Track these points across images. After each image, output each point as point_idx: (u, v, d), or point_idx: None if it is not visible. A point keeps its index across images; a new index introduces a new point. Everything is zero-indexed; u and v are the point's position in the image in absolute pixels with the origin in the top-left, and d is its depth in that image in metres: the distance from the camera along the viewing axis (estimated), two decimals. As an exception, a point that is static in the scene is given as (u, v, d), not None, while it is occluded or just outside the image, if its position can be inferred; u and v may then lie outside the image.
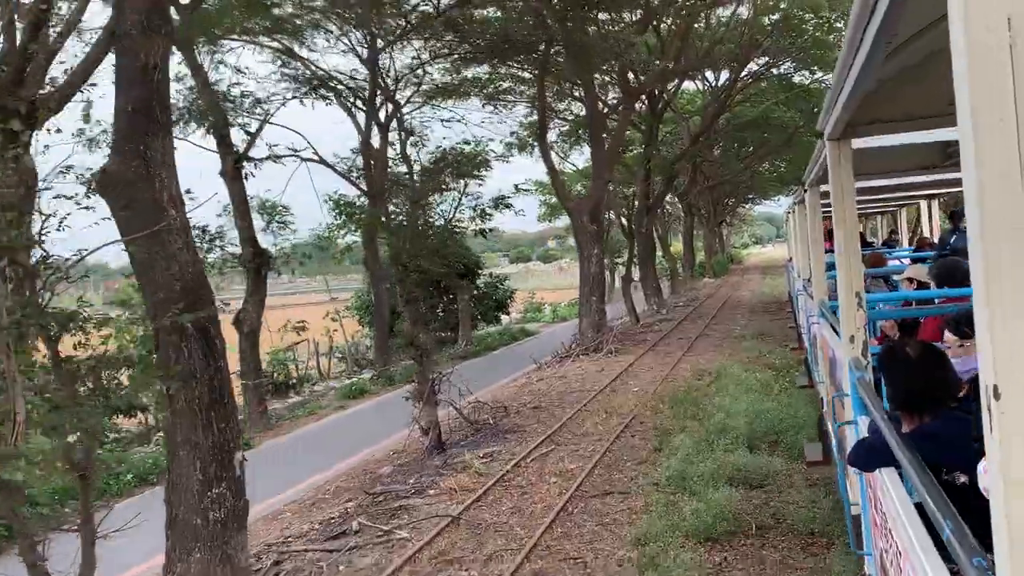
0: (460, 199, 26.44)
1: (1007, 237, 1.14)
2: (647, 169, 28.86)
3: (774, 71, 32.09)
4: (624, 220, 26.62)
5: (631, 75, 21.26)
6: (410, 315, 11.29)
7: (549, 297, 46.24)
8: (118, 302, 17.21)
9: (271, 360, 22.11)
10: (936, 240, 11.51)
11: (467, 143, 25.01)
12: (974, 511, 1.84)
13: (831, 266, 5.62)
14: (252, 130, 16.39)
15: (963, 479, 2.52)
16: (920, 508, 2.25)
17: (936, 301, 5.42)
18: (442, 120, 24.15)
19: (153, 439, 16.22)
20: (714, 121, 29.98)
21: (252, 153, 16.18)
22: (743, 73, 31.52)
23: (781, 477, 7.49)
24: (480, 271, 31.34)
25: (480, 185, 26.56)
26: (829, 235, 9.26)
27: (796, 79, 32.40)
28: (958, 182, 7.36)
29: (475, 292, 30.68)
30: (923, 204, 14.32)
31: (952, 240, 9.79)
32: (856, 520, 3.86)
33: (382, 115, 21.26)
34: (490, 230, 27.32)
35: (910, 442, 2.45)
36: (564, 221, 39.09)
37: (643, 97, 30.40)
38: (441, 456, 10.74)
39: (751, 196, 64.19)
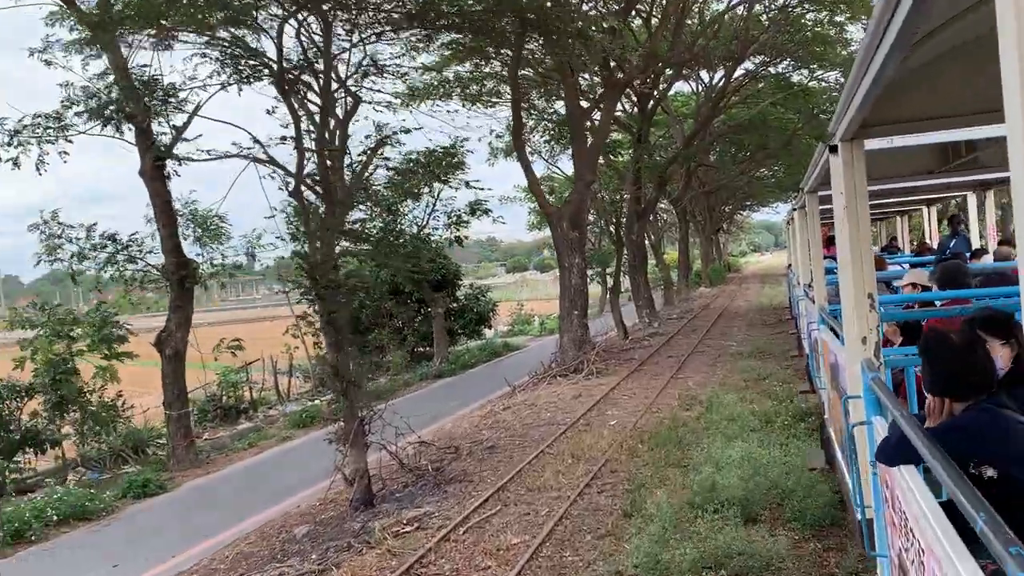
0: (433, 204, 24.64)
1: None
2: (637, 173, 26.96)
3: (771, 70, 30.30)
4: (612, 227, 24.60)
5: (614, 67, 19.31)
6: (330, 339, 9.29)
7: (542, 308, 44.16)
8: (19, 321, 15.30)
9: (221, 382, 20.12)
10: (935, 246, 11.33)
11: (441, 148, 23.17)
12: (1001, 505, 1.90)
13: (831, 271, 5.64)
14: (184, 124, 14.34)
15: (991, 472, 2.51)
16: (944, 505, 2.32)
17: (938, 304, 5.43)
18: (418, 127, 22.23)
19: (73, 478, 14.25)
20: (708, 122, 28.09)
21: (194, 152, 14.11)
22: (738, 72, 29.80)
23: (788, 568, 5.49)
24: (459, 282, 29.37)
25: (456, 189, 24.76)
26: (829, 241, 9.10)
27: (795, 78, 30.54)
28: (958, 186, 9.67)
29: (454, 305, 28.73)
30: (924, 211, 14.58)
31: (951, 245, 9.82)
32: (869, 523, 3.77)
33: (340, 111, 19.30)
34: (466, 238, 25.44)
35: (934, 436, 2.46)
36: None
37: (632, 97, 28.56)
38: (368, 513, 8.75)
39: (749, 203, 62.38)
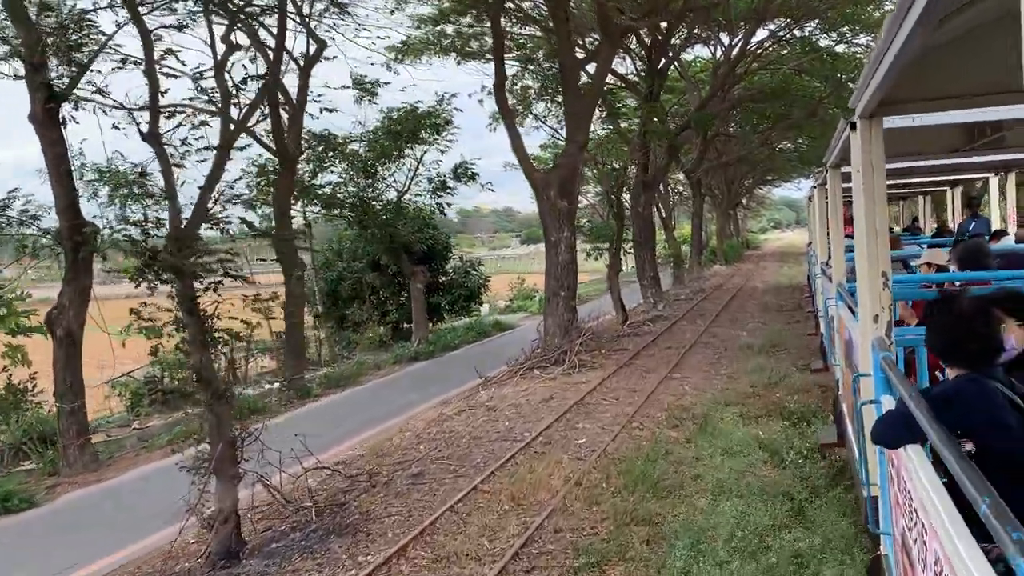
0: (415, 168, 22.12)
1: None
2: (645, 137, 24.31)
3: (796, 32, 27.38)
4: (613, 197, 21.98)
5: (611, 6, 16.61)
6: (193, 335, 6.92)
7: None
8: None
9: (165, 361, 17.91)
10: (955, 227, 11.12)
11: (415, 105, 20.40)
12: None
13: (851, 249, 4.96)
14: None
15: (969, 447, 2.51)
16: (947, 486, 2.30)
17: (957, 284, 5.33)
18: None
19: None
20: (724, 84, 25.28)
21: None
22: (761, 35, 27.03)
23: None
24: (450, 254, 26.97)
25: (443, 152, 22.21)
26: (849, 221, 8.86)
27: (823, 43, 27.59)
28: (981, 167, 9.67)
29: (442, 279, 26.37)
30: (948, 192, 14.26)
31: (971, 227, 9.44)
32: (874, 500, 3.73)
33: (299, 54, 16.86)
34: (448, 205, 23.00)
35: (935, 414, 2.39)
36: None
37: (642, 52, 25.75)
38: (227, 573, 6.47)
39: (770, 178, 59.30)
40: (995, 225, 9.62)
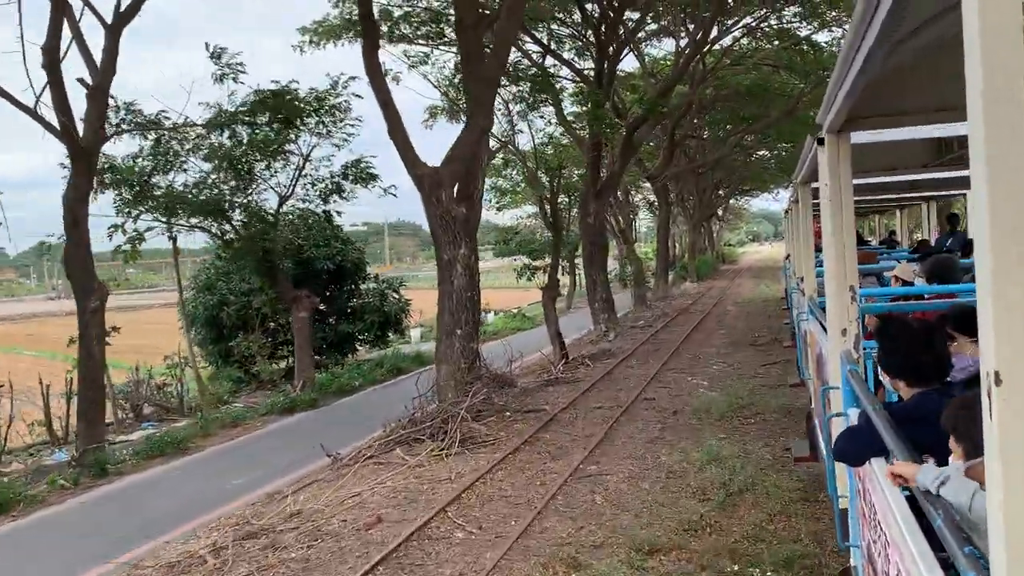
0: (300, 167, 17.73)
1: (1014, 223, 1.14)
2: (592, 127, 20.20)
3: (773, 23, 23.59)
4: (547, 206, 17.59)
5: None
6: None
7: (514, 299, 37.04)
8: None
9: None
10: (933, 242, 11.24)
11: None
12: None
13: (822, 263, 4.98)
14: None
15: (929, 462, 2.43)
16: (910, 499, 2.33)
17: (925, 297, 5.49)
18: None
19: None
20: (688, 67, 21.14)
21: None
22: (733, 24, 23.27)
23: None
24: (364, 273, 22.60)
25: (340, 147, 17.85)
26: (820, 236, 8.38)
27: (804, 32, 23.75)
28: (954, 182, 9.27)
29: (353, 303, 22.01)
30: (923, 206, 14.40)
31: (948, 243, 9.74)
32: (843, 513, 3.82)
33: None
34: (339, 214, 18.55)
35: (899, 429, 2.51)
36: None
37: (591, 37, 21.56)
38: None
39: (746, 187, 55.58)
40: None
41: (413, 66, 16.70)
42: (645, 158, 31.17)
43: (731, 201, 63.14)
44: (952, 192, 12.01)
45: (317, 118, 16.04)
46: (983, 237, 1.16)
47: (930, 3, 2.29)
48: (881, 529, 2.56)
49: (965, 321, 3.19)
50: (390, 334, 22.54)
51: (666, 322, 22.25)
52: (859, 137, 4.11)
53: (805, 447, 7.40)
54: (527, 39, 19.57)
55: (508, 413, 11.03)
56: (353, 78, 16.04)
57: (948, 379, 2.90)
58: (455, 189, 11.58)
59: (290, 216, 17.58)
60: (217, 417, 14.98)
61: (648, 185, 36.59)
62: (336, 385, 17.41)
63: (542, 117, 23.04)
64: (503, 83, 17.76)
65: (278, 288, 16.90)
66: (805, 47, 23.38)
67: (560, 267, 17.59)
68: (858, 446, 2.86)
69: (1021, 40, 1.10)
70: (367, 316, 21.55)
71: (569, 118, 22.37)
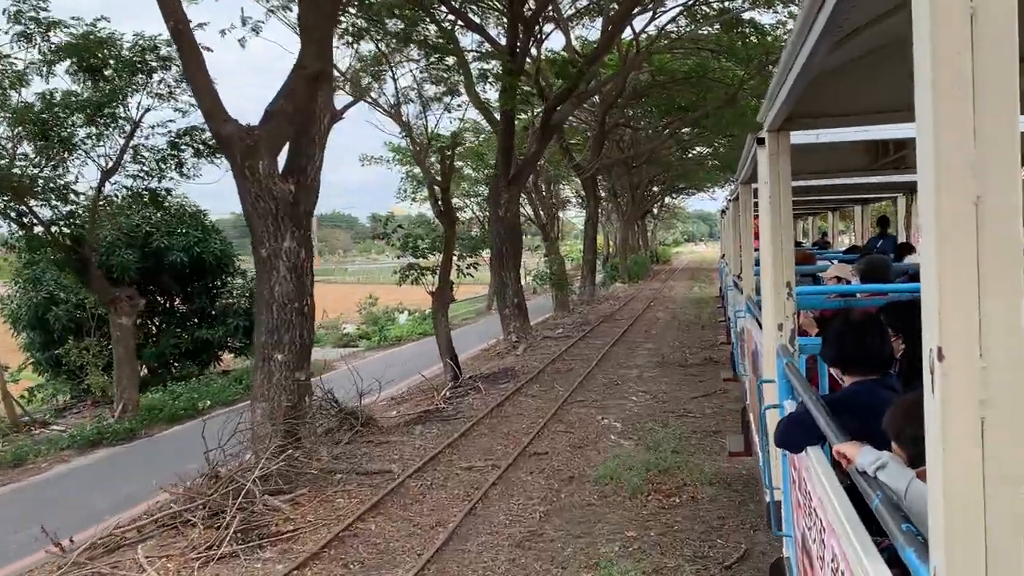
0: (130, 132, 13.97)
1: (956, 206, 1.18)
2: (506, 110, 17.34)
3: (716, 5, 21.09)
4: (438, 198, 14.43)
5: None
6: None
7: (423, 298, 32.99)
8: None
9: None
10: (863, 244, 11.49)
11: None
12: None
13: (759, 262, 5.01)
14: None
15: None
16: (846, 488, 2.35)
17: (858, 296, 5.36)
18: None
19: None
20: (612, 40, 18.28)
21: None
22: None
23: None
24: (231, 271, 19.14)
25: (183, 114, 14.34)
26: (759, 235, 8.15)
27: (748, 15, 21.16)
28: (890, 187, 10.44)
29: (217, 305, 18.54)
30: (857, 209, 14.79)
31: (879, 244, 9.78)
32: (777, 505, 3.85)
33: None
34: (168, 192, 15.03)
35: (834, 417, 2.50)
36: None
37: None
38: None
39: (682, 186, 53.45)
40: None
41: (272, 10, 13.32)
42: (574, 149, 28.37)
43: (666, 199, 61.05)
44: (884, 196, 12.35)
45: (143, 72, 12.57)
46: (930, 226, 1.20)
47: (876, 3, 2.34)
48: (817, 516, 2.59)
49: (889, 316, 3.21)
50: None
51: (586, 331, 19.51)
52: (797, 138, 4.11)
53: (740, 442, 7.44)
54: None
55: (338, 476, 7.91)
56: (202, 25, 12.46)
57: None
58: (278, 158, 8.37)
59: (117, 197, 13.99)
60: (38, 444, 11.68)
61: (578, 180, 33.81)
62: (171, 409, 13.97)
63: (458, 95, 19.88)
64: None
65: (92, 287, 13.35)
66: (748, 31, 20.89)
67: (456, 267, 14.38)
68: (797, 433, 2.87)
69: (969, 35, 1.14)
70: (230, 320, 18.13)
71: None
